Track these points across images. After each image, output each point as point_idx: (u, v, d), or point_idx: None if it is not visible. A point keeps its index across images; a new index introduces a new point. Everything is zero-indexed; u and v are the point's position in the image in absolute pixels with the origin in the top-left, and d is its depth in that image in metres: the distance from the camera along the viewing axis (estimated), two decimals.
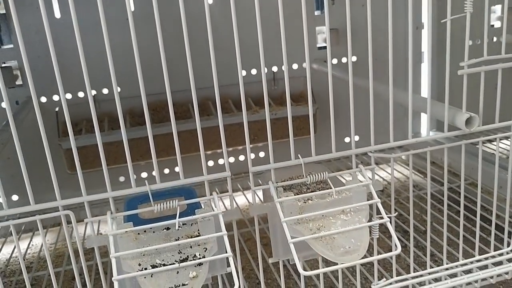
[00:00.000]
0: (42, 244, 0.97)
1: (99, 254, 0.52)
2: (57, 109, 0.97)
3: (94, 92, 1.01)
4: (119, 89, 1.07)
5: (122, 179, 1.05)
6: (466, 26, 0.57)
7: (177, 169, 1.07)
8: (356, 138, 1.16)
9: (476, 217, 0.69)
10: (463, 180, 0.66)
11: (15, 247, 0.90)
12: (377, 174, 1.11)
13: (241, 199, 1.05)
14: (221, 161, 1.13)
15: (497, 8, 1.19)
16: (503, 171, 0.70)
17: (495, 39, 1.17)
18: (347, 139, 1.17)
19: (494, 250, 0.70)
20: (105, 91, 1.01)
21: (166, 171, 1.08)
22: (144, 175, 1.06)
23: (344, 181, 0.60)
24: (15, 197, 1.00)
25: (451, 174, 1.03)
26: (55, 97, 0.99)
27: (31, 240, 0.97)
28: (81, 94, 1.00)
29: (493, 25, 1.18)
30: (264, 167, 0.55)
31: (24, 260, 0.94)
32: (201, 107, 1.07)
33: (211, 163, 1.12)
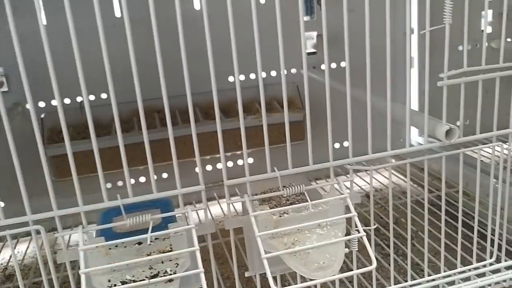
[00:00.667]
0: (19, 254, 0.96)
1: (70, 268, 0.52)
2: (42, 115, 0.97)
3: (80, 98, 1.00)
4: (105, 96, 1.06)
5: (109, 185, 1.05)
6: (446, 37, 0.56)
7: (165, 175, 1.07)
8: (337, 146, 1.17)
9: (463, 226, 0.68)
10: (444, 190, 0.65)
11: None
12: (362, 178, 1.10)
13: (216, 208, 1.04)
14: (208, 167, 1.13)
15: (488, 12, 1.18)
16: (486, 177, 0.69)
17: (486, 44, 1.16)
18: (336, 145, 1.16)
19: (478, 260, 0.69)
20: (92, 97, 1.00)
21: (142, 179, 1.07)
22: (120, 183, 1.05)
23: (323, 192, 0.59)
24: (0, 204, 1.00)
25: (436, 180, 1.02)
26: (41, 104, 0.99)
27: (14, 246, 0.96)
28: (67, 101, 0.99)
29: (483, 30, 1.17)
30: (239, 180, 0.54)
31: None
32: (187, 114, 1.06)
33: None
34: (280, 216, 0.54)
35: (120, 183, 1.05)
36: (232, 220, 0.54)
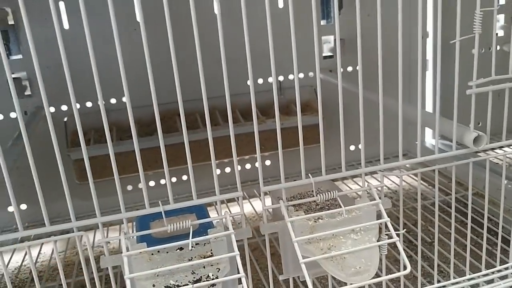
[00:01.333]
0: (52, 252, 0.97)
1: (113, 275, 0.53)
2: (65, 119, 0.98)
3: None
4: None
5: (129, 187, 1.06)
6: (475, 47, 0.58)
7: (184, 177, 1.08)
8: (352, 148, 1.18)
9: (482, 228, 0.69)
10: (471, 196, 0.66)
11: (25, 255, 0.92)
12: (376, 179, 1.11)
13: (247, 207, 1.06)
14: (227, 169, 1.14)
15: (500, 17, 1.19)
16: (509, 182, 0.71)
17: (498, 47, 1.17)
18: (352, 147, 1.18)
19: (501, 263, 0.70)
20: (113, 100, 1.02)
21: (174, 179, 1.09)
22: (152, 183, 1.07)
23: (353, 196, 0.61)
24: (23, 206, 1.01)
25: (457, 184, 1.04)
26: (64, 107, 1.00)
27: (40, 248, 0.98)
28: (89, 104, 1.01)
29: (497, 34, 1.18)
30: (276, 187, 0.56)
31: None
32: (211, 116, 1.08)
33: (217, 171, 1.13)
34: (315, 222, 0.55)
35: (140, 186, 1.07)
36: (268, 225, 0.56)
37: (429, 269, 0.79)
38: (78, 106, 1.00)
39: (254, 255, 0.89)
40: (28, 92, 0.99)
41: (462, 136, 0.60)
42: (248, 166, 1.15)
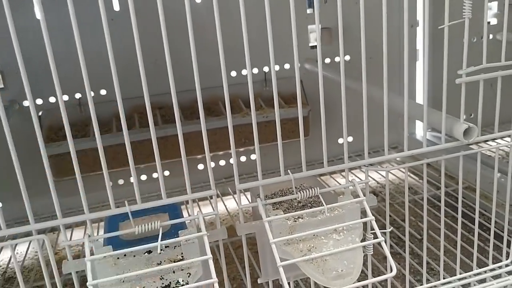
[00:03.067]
0: (25, 253, 0.93)
1: (77, 279, 0.49)
2: (40, 113, 0.94)
3: (79, 95, 0.97)
4: (104, 92, 1.03)
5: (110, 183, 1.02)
6: (465, 33, 0.54)
7: (166, 173, 1.04)
8: (350, 139, 1.15)
9: (474, 224, 0.66)
10: (461, 190, 0.63)
11: None
12: (370, 177, 1.08)
13: (231, 203, 1.02)
14: (212, 164, 1.10)
15: (493, 5, 1.15)
16: (502, 176, 0.67)
17: (491, 36, 1.13)
18: (340, 140, 1.14)
19: (493, 261, 0.67)
20: (91, 94, 0.97)
21: (155, 175, 1.05)
22: (121, 182, 1.03)
23: (339, 192, 0.57)
24: None
25: (447, 177, 1.01)
26: (39, 101, 0.96)
27: None
28: (65, 98, 0.96)
29: (489, 22, 1.15)
30: (252, 184, 0.52)
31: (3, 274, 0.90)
32: (191, 110, 1.04)
33: (201, 166, 1.09)
34: (295, 221, 0.51)
35: (121, 182, 1.03)
36: (245, 226, 0.52)
37: (418, 268, 0.76)
38: (53, 100, 0.96)
39: (237, 254, 0.85)
40: (0, 86, 0.94)
41: (451, 128, 0.57)
42: (232, 160, 1.11)
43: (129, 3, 0.43)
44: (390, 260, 0.49)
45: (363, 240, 0.52)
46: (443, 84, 0.56)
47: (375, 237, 0.51)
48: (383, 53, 0.52)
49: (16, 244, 0.90)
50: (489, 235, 0.67)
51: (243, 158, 1.13)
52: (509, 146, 0.61)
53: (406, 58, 0.57)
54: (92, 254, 0.47)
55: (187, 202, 0.51)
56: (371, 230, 0.54)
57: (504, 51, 0.57)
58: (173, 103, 0.48)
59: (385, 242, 0.52)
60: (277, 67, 1.06)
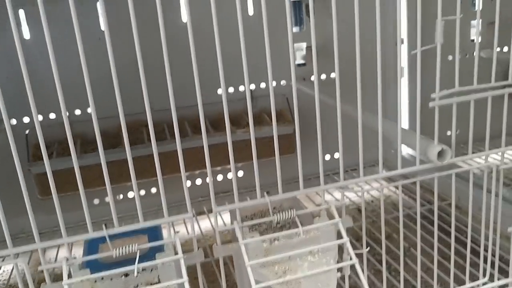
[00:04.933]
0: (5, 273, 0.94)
1: None
2: (27, 131, 0.95)
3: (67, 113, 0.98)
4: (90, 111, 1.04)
5: (96, 201, 1.03)
6: (437, 58, 0.55)
7: (153, 190, 1.05)
8: (327, 157, 1.15)
9: (453, 240, 0.67)
10: (436, 207, 0.64)
11: None
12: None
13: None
14: (198, 181, 1.11)
15: (476, 22, 1.18)
16: (479, 191, 0.68)
17: (475, 53, 1.15)
18: (327, 157, 1.15)
19: (471, 278, 0.68)
20: (78, 112, 0.99)
21: (142, 192, 1.06)
22: (107, 199, 1.03)
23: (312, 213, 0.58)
24: None
25: (429, 192, 1.02)
26: (26, 119, 0.97)
27: None
28: (52, 116, 0.97)
29: (473, 40, 1.17)
30: (229, 207, 0.53)
31: None
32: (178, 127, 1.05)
33: (188, 183, 1.10)
34: (271, 244, 0.52)
35: (107, 199, 1.03)
36: (222, 248, 0.53)
37: (396, 284, 0.76)
38: (41, 118, 0.97)
39: (214, 275, 0.86)
40: None
41: (426, 150, 0.58)
42: (219, 177, 1.12)
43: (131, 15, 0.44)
44: (364, 282, 0.50)
45: (338, 262, 0.53)
46: (416, 107, 0.57)
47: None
48: (357, 71, 0.53)
49: (2, 260, 0.92)
50: (466, 250, 0.67)
51: (219, 177, 1.13)
52: (482, 169, 0.62)
53: (379, 77, 0.57)
54: (70, 276, 0.48)
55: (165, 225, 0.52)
56: (348, 253, 0.55)
57: (476, 73, 0.59)
58: (149, 122, 0.49)
59: (363, 262, 0.53)
60: (263, 85, 1.07)
